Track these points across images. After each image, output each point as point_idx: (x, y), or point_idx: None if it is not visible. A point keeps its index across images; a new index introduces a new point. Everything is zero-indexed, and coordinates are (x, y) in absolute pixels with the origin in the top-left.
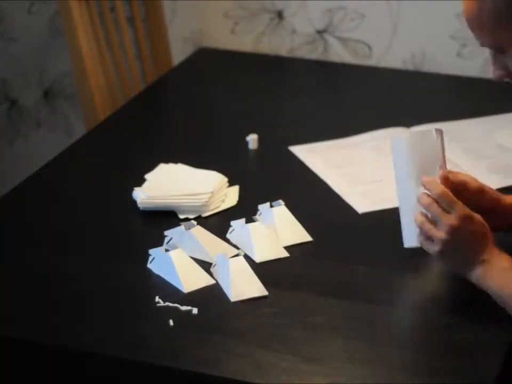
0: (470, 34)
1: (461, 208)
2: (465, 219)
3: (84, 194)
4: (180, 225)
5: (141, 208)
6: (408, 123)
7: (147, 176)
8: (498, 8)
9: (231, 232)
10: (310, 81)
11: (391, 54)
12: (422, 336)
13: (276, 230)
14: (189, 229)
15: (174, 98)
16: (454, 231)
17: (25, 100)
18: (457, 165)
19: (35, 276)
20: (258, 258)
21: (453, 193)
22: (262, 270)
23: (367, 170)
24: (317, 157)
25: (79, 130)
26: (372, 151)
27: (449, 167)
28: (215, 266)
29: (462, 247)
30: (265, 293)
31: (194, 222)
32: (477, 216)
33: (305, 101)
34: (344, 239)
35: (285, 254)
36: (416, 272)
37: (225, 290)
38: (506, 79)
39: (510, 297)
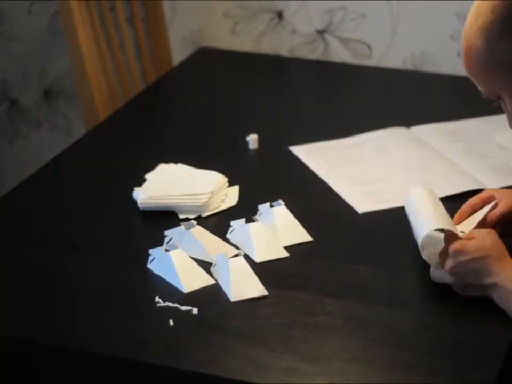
0: None
1: (453, 244)
2: (457, 254)
3: (83, 194)
4: (180, 225)
5: (141, 208)
6: (408, 123)
7: (147, 176)
8: (481, 55)
9: (231, 232)
10: (310, 81)
11: (391, 54)
12: (422, 336)
13: (276, 230)
14: (189, 229)
15: (174, 98)
16: (451, 271)
17: (25, 100)
18: (457, 165)
19: (35, 276)
20: (258, 258)
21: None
22: (262, 269)
23: (367, 170)
24: (317, 157)
25: (79, 130)
26: (372, 151)
27: (449, 166)
28: (215, 266)
29: (469, 277)
30: (265, 293)
31: (194, 222)
32: (472, 244)
33: (305, 101)
34: (344, 239)
35: (285, 254)
36: (416, 272)
37: (225, 290)
38: None
39: None
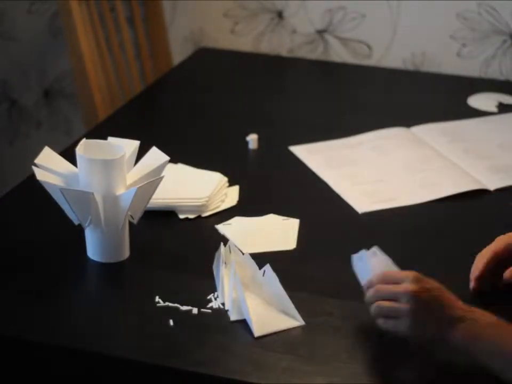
0: (470, 34)
1: (409, 272)
2: (419, 280)
3: None
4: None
5: None
6: (408, 123)
7: None
8: None
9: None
10: (310, 81)
11: (391, 54)
12: None
13: None
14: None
15: (174, 98)
16: (415, 295)
17: (25, 99)
18: (457, 165)
19: (35, 276)
20: None
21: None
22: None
23: (367, 170)
24: (317, 157)
25: (79, 130)
26: (372, 151)
27: (449, 166)
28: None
29: (432, 307)
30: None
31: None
32: (429, 279)
33: (305, 101)
34: (344, 239)
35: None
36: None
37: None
38: None
39: (507, 355)
